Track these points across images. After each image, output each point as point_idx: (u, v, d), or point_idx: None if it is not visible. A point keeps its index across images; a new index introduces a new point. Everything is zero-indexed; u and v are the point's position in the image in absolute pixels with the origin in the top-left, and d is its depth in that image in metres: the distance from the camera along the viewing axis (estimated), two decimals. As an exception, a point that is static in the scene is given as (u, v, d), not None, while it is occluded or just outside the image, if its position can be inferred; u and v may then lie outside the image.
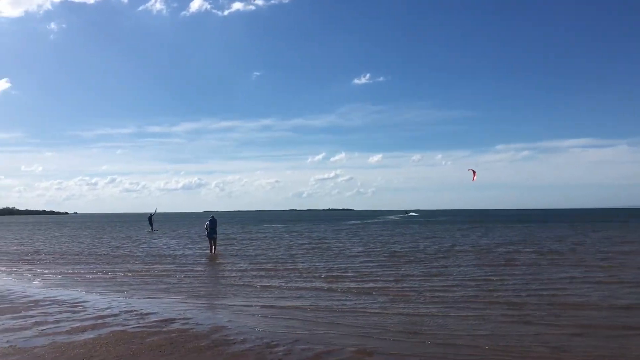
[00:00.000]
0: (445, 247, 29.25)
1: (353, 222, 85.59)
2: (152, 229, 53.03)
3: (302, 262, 21.65)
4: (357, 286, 15.06)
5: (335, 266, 20.18)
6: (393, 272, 18.10)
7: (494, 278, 16.46)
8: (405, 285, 15.26)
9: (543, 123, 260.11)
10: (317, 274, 17.82)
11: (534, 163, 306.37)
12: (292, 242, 34.25)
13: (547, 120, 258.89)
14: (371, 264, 20.77)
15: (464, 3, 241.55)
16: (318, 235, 43.02)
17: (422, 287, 14.73)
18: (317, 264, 21.08)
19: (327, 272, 18.28)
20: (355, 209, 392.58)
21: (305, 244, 32.99)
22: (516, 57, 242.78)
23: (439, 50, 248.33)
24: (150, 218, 53.68)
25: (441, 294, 13.60)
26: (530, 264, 20.23)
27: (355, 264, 20.80)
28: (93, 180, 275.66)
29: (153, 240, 38.54)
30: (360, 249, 28.53)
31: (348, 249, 28.62)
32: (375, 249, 28.03)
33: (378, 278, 16.76)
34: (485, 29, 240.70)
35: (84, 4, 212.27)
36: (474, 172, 37.60)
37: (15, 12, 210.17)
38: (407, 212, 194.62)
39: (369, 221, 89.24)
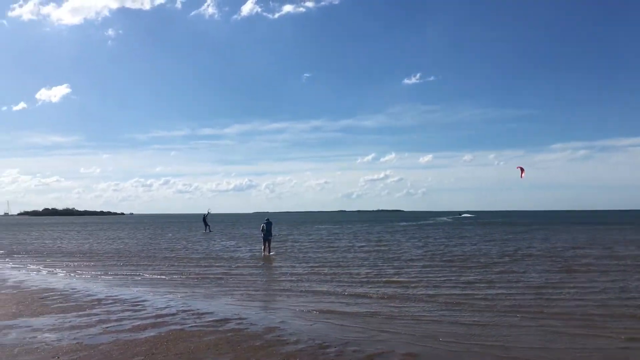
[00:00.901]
0: (509, 250, 27.97)
1: (405, 223, 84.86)
2: (207, 229, 54.18)
3: (360, 266, 21.22)
4: (414, 292, 14.71)
5: (394, 271, 19.64)
6: (454, 278, 17.43)
7: (562, 285, 15.70)
8: (465, 292, 14.71)
9: (601, 121, 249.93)
10: (374, 279, 17.46)
11: (591, 162, 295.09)
12: (349, 245, 33.61)
13: (605, 118, 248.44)
14: (431, 269, 20.06)
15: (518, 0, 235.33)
16: (375, 237, 42.37)
17: (483, 295, 14.22)
18: (376, 268, 20.61)
19: (385, 277, 17.84)
20: (405, 210, 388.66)
21: (363, 246, 32.50)
22: (572, 53, 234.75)
23: (491, 48, 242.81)
24: (205, 219, 54.87)
25: (502, 302, 13.12)
26: (602, 271, 19.04)
27: (415, 269, 20.13)
28: (148, 182, 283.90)
29: (209, 241, 39.42)
30: (419, 252, 27.79)
31: (407, 252, 27.92)
32: (434, 252, 27.22)
33: (437, 284, 16.22)
34: (539, 24, 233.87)
35: (140, 10, 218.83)
36: (522, 169, 36.89)
37: (75, 20, 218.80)
38: (460, 213, 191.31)
39: (422, 222, 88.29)
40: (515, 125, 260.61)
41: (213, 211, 55.79)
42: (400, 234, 48.51)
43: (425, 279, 17.48)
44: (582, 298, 13.59)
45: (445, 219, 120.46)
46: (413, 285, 16.11)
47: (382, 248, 30.69)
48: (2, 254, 30.31)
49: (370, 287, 15.75)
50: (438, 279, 17.47)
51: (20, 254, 30.11)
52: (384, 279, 17.42)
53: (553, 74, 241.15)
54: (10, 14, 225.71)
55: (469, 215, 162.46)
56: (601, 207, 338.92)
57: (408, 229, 60.99)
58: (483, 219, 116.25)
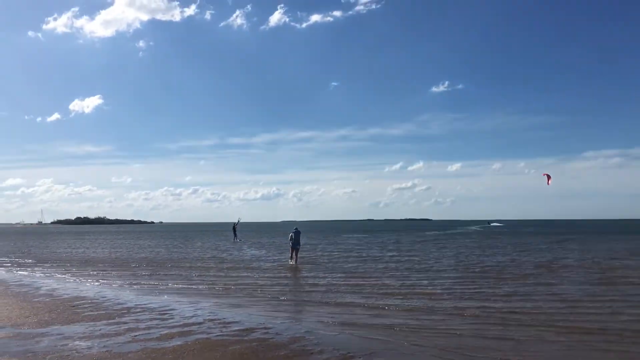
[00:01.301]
0: (544, 261, 27.19)
1: (434, 232, 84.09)
2: (236, 238, 54.60)
3: (389, 277, 20.86)
4: (444, 305, 14.41)
5: (425, 282, 19.24)
6: (486, 290, 16.97)
7: (599, 298, 15.16)
8: (497, 305, 14.28)
9: (635, 128, 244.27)
10: (404, 290, 17.16)
11: (626, 170, 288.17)
12: (379, 255, 33.20)
13: (639, 125, 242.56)
14: (462, 280, 19.62)
15: (545, 4, 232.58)
16: (405, 247, 41.88)
17: (516, 308, 13.81)
18: (406, 279, 20.25)
19: (416, 288, 17.53)
20: (433, 218, 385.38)
21: (393, 256, 32.13)
22: (604, 58, 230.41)
23: (520, 54, 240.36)
24: (235, 227, 55.32)
25: (536, 316, 12.73)
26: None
27: (446, 280, 19.71)
28: (177, 191, 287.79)
29: (238, 250, 39.69)
30: (450, 262, 27.24)
31: (438, 262, 27.47)
32: (467, 263, 26.70)
33: (469, 296, 15.84)
34: (569, 29, 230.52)
35: (170, 22, 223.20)
36: (548, 176, 36.46)
37: (107, 32, 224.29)
38: (489, 222, 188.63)
39: (451, 232, 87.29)
40: (546, 133, 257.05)
41: (242, 220, 56.23)
42: (430, 243, 48.01)
43: (457, 290, 17.10)
44: (620, 312, 13.15)
45: (474, 228, 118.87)
46: (443, 297, 15.81)
47: (413, 258, 30.24)
48: (36, 263, 31.01)
49: (399, 299, 15.52)
50: (469, 290, 17.09)
51: (53, 262, 30.77)
52: (414, 291, 17.12)
53: (584, 80, 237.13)
54: (45, 27, 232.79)
55: (498, 224, 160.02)
56: (637, 215, 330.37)
57: (438, 238, 60.37)
58: (513, 228, 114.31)
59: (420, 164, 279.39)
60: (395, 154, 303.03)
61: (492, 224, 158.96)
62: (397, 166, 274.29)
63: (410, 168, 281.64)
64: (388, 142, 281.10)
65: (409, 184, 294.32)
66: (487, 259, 29.42)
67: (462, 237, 64.10)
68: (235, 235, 54.80)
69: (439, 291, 16.99)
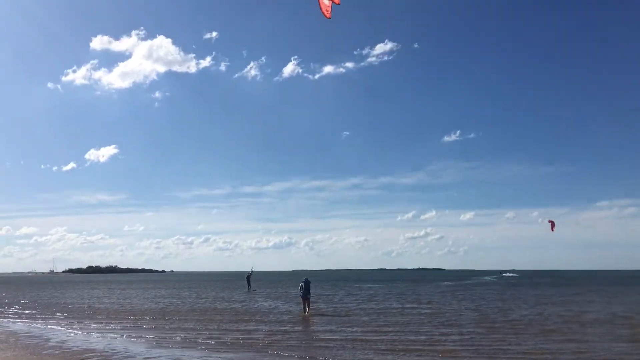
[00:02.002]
0: (569, 315, 26.03)
1: (449, 282, 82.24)
2: (250, 288, 53.75)
3: (410, 332, 19.85)
4: None
5: (449, 337, 18.28)
6: (514, 347, 16.04)
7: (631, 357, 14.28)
8: None
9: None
10: (428, 347, 16.23)
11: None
12: (399, 306, 32.00)
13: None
14: (488, 336, 18.66)
15: (555, 55, 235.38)
16: (424, 298, 40.31)
17: None
18: (428, 334, 19.27)
19: (439, 345, 16.58)
20: (446, 268, 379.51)
21: (413, 307, 31.06)
22: (614, 110, 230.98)
23: (532, 103, 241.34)
24: (249, 277, 54.58)
25: None
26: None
27: (472, 335, 18.75)
28: (189, 240, 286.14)
29: (251, 301, 38.84)
30: (474, 315, 26.12)
31: (461, 314, 26.40)
32: (491, 316, 25.63)
33: (493, 354, 14.98)
34: (580, 79, 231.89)
35: (186, 73, 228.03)
36: (552, 223, 36.16)
37: (125, 84, 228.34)
38: (501, 272, 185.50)
39: (466, 282, 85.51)
40: (559, 182, 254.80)
41: (255, 268, 55.60)
42: (449, 294, 46.64)
43: (484, 347, 16.20)
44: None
45: (489, 278, 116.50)
46: (470, 354, 14.97)
47: (435, 311, 28.95)
48: (46, 313, 30.49)
49: (421, 356, 14.78)
50: (496, 346, 16.24)
51: (63, 313, 30.20)
52: (438, 347, 16.21)
53: (596, 130, 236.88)
54: (64, 78, 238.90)
55: (511, 274, 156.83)
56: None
57: (456, 289, 58.81)
58: (529, 278, 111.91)
59: (433, 212, 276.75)
60: (407, 203, 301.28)
61: (504, 274, 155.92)
62: (410, 215, 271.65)
63: (422, 217, 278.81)
64: (400, 191, 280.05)
65: (422, 232, 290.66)
66: (511, 312, 28.25)
67: (480, 288, 62.55)
68: (249, 285, 53.99)
69: (464, 347, 16.13)
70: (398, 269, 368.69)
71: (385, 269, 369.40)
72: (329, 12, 16.76)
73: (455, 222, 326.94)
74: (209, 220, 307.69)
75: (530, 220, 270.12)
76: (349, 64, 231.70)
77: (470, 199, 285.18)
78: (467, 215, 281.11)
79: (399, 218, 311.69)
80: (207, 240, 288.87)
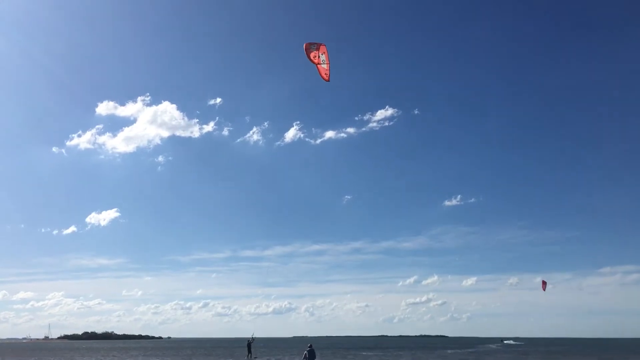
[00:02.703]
0: None
1: (453, 350, 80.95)
2: (250, 355, 52.85)
3: None
4: None
5: None
6: None
7: None
8: None
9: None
10: None
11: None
12: None
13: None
14: None
15: (558, 118, 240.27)
16: None
17: None
18: None
19: None
20: (449, 335, 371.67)
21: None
22: (619, 173, 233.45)
23: (533, 168, 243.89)
24: (250, 344, 53.80)
25: None
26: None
27: None
28: (187, 305, 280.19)
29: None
30: None
31: None
32: None
33: None
34: (582, 143, 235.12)
35: (190, 138, 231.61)
36: (544, 283, 36.77)
37: (129, 148, 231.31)
38: (502, 340, 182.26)
39: (471, 350, 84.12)
40: (561, 247, 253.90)
41: (254, 334, 54.74)
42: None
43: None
44: None
45: (493, 346, 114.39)
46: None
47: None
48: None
49: None
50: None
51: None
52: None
53: (599, 195, 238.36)
54: (68, 143, 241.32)
55: (514, 342, 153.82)
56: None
57: (466, 357, 57.86)
58: (534, 346, 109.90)
59: (435, 277, 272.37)
60: (408, 268, 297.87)
61: (505, 342, 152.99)
62: (411, 280, 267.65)
63: (424, 282, 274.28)
64: (401, 256, 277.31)
65: (424, 298, 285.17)
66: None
67: (489, 357, 61.53)
68: (250, 352, 53.10)
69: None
70: (400, 336, 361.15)
71: (386, 336, 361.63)
72: (328, 75, 17.99)
73: (457, 287, 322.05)
74: (208, 285, 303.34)
75: (534, 286, 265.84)
76: (350, 129, 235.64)
77: (472, 264, 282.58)
78: (470, 281, 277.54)
79: (400, 283, 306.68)
80: (205, 305, 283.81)
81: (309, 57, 17.98)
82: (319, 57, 18.03)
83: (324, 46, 18.28)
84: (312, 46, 17.94)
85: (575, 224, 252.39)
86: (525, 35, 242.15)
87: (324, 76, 17.47)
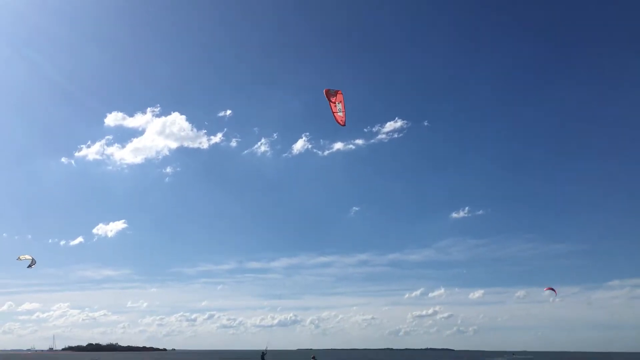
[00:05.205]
0: None
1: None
2: (265, 367, 52.74)
3: None
4: None
5: None
6: None
7: None
8: None
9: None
10: None
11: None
12: None
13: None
14: None
15: (567, 131, 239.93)
16: None
17: None
18: None
19: None
20: (455, 349, 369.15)
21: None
22: (629, 186, 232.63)
23: (541, 181, 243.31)
24: (263, 356, 53.65)
25: None
26: None
27: None
28: (193, 316, 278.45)
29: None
30: None
31: None
32: None
33: None
34: (590, 157, 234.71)
35: (198, 149, 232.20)
36: (553, 289, 36.83)
37: (137, 159, 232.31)
38: (513, 353, 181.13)
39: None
40: (569, 260, 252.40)
41: (257, 347, 54.58)
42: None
43: None
44: None
45: (502, 359, 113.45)
46: None
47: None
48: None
49: None
50: None
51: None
52: None
53: (606, 209, 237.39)
54: (77, 154, 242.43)
55: (523, 357, 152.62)
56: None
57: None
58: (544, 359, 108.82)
59: (442, 290, 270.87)
60: (415, 280, 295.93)
61: (515, 356, 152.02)
62: (418, 292, 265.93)
63: (431, 294, 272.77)
64: (408, 268, 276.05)
65: (430, 311, 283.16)
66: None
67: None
68: (264, 364, 53.02)
69: None
70: (406, 349, 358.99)
71: (392, 349, 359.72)
72: (344, 121, 18.89)
73: (464, 300, 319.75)
74: (214, 297, 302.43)
75: (541, 300, 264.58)
76: (359, 141, 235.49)
77: (480, 277, 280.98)
78: (477, 294, 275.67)
79: (407, 295, 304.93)
80: (211, 317, 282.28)
81: (328, 100, 18.88)
82: (336, 105, 18.95)
83: (341, 94, 19.23)
84: (331, 91, 19.01)
85: (583, 237, 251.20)
86: (534, 51, 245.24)
87: (340, 122, 18.66)
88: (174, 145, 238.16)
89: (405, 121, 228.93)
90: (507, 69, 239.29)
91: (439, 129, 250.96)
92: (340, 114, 17.49)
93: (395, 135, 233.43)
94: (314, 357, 27.27)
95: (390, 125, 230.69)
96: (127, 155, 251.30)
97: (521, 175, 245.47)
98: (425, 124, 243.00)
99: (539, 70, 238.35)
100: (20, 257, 43.22)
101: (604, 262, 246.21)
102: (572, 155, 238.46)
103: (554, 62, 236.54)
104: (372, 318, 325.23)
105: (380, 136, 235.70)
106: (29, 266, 42.26)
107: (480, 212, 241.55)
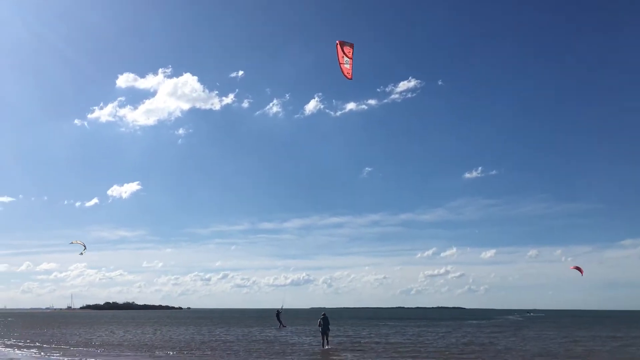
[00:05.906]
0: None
1: (476, 321, 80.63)
2: (281, 325, 53.22)
3: None
4: None
5: None
6: None
7: None
8: None
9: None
10: None
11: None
12: (442, 347, 29.87)
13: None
14: None
15: (582, 90, 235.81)
16: (462, 339, 37.08)
17: None
18: None
19: None
20: (466, 307, 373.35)
21: (451, 345, 30.54)
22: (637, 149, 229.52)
23: (554, 140, 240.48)
24: (279, 314, 54.11)
25: None
26: None
27: None
28: (207, 276, 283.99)
29: (284, 337, 38.56)
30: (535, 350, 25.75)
31: (524, 351, 26.16)
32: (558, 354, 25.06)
33: None
34: (604, 114, 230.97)
35: (210, 110, 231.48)
36: (579, 269, 37.29)
37: (149, 121, 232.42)
38: (528, 311, 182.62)
39: (494, 320, 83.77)
40: (582, 220, 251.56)
41: (271, 306, 55.24)
42: (485, 331, 45.52)
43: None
44: None
45: (513, 317, 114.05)
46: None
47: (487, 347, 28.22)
48: (70, 350, 30.35)
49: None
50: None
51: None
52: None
53: (620, 166, 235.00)
54: (89, 115, 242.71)
55: (535, 314, 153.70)
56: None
57: (491, 327, 57.47)
58: (557, 318, 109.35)
59: (454, 250, 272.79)
60: (427, 240, 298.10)
61: (530, 314, 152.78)
62: (430, 252, 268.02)
63: (443, 254, 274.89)
64: (420, 228, 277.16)
65: (442, 270, 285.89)
66: (577, 346, 27.79)
67: (513, 326, 61.04)
68: (280, 322, 53.49)
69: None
70: (417, 307, 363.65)
71: (403, 307, 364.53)
72: (350, 74, 18.36)
73: (476, 260, 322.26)
74: (228, 257, 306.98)
75: (553, 259, 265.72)
76: (372, 101, 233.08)
77: (492, 237, 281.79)
78: (489, 253, 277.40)
79: (419, 255, 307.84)
80: (225, 276, 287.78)
81: (343, 50, 18.38)
82: (343, 57, 18.67)
83: (352, 47, 18.87)
84: (346, 43, 18.73)
85: (596, 196, 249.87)
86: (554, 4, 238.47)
87: (347, 75, 18.40)
88: (186, 106, 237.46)
89: (418, 80, 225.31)
90: (525, 25, 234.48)
91: (452, 88, 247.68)
92: (347, 66, 17.19)
93: (409, 95, 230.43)
94: (324, 315, 27.95)
95: (403, 85, 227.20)
96: (140, 116, 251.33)
97: (534, 135, 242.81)
98: (440, 83, 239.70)
99: (556, 27, 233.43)
100: (74, 241, 45.39)
101: (616, 221, 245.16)
102: (588, 114, 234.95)
103: (567, 21, 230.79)
104: (384, 277, 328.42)
105: (393, 96, 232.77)
106: (81, 253, 44.30)
107: (494, 172, 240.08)
